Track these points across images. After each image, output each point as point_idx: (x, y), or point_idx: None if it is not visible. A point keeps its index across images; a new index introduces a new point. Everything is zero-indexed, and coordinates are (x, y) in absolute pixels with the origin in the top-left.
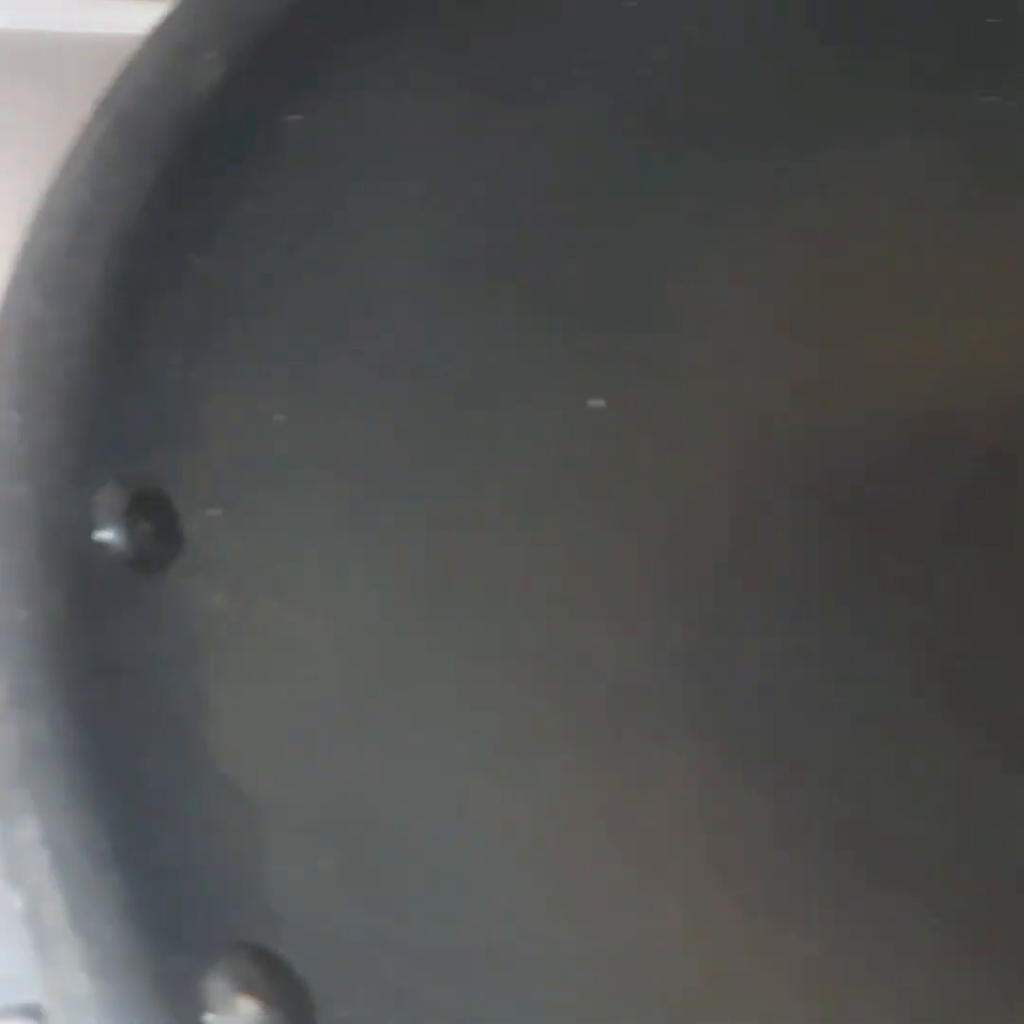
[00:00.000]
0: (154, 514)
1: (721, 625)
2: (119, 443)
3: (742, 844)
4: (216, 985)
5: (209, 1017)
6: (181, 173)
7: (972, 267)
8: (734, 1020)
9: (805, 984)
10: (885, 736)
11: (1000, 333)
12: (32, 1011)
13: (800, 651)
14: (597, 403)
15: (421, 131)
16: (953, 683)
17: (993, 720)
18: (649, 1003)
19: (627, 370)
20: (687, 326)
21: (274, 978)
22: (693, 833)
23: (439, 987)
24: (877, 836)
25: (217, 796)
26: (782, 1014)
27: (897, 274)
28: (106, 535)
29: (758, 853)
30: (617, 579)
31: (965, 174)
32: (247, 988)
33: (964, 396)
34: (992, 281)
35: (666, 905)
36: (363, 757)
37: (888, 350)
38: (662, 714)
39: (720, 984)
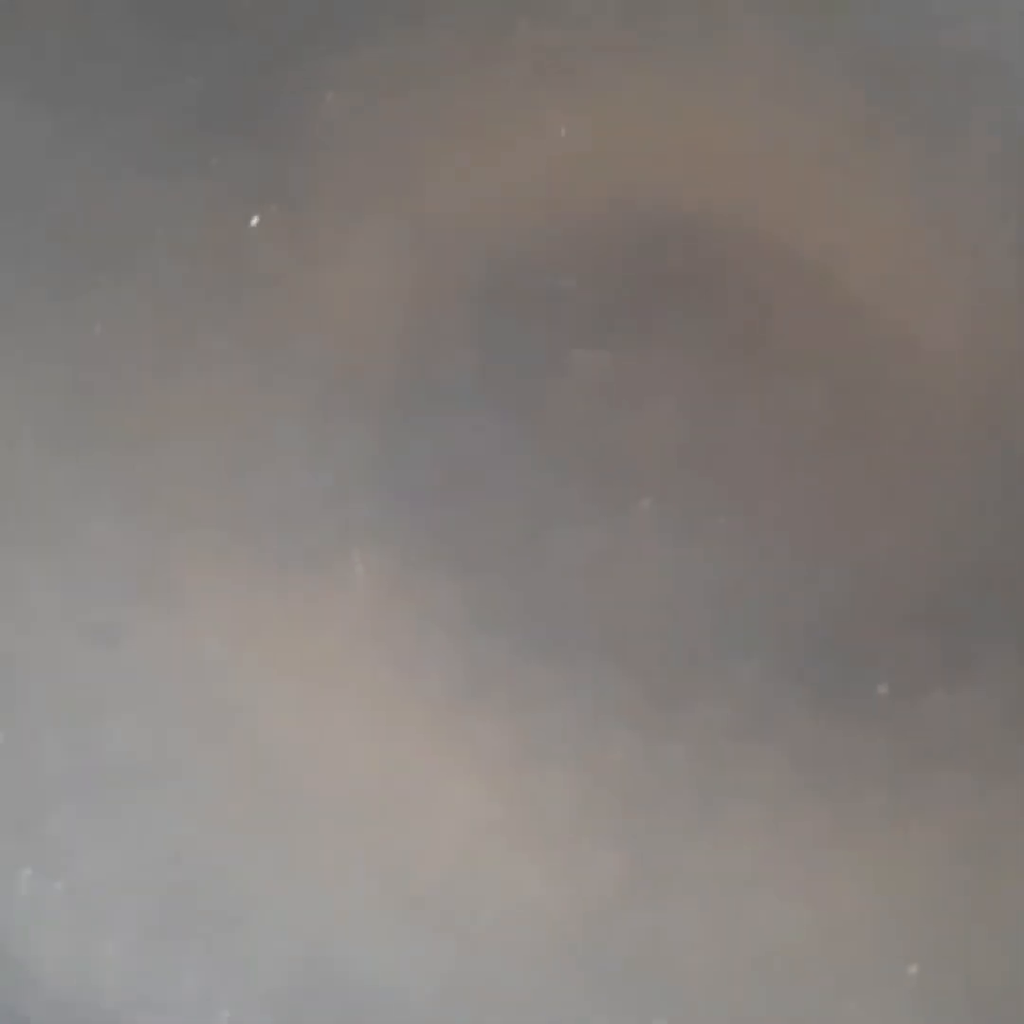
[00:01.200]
0: None
1: (389, 434)
2: None
3: (424, 644)
4: None
5: None
6: None
7: None
8: (414, 820)
9: (493, 773)
10: (565, 522)
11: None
12: None
13: (476, 450)
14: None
15: None
16: (626, 467)
17: (667, 494)
18: (321, 810)
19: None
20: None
21: None
22: (370, 641)
23: (68, 814)
24: (563, 619)
25: None
26: (464, 806)
27: None
28: None
29: (440, 651)
30: (275, 393)
31: None
32: None
33: (633, 180)
34: None
35: (342, 714)
36: None
37: (548, 140)
38: (339, 520)
39: (400, 787)
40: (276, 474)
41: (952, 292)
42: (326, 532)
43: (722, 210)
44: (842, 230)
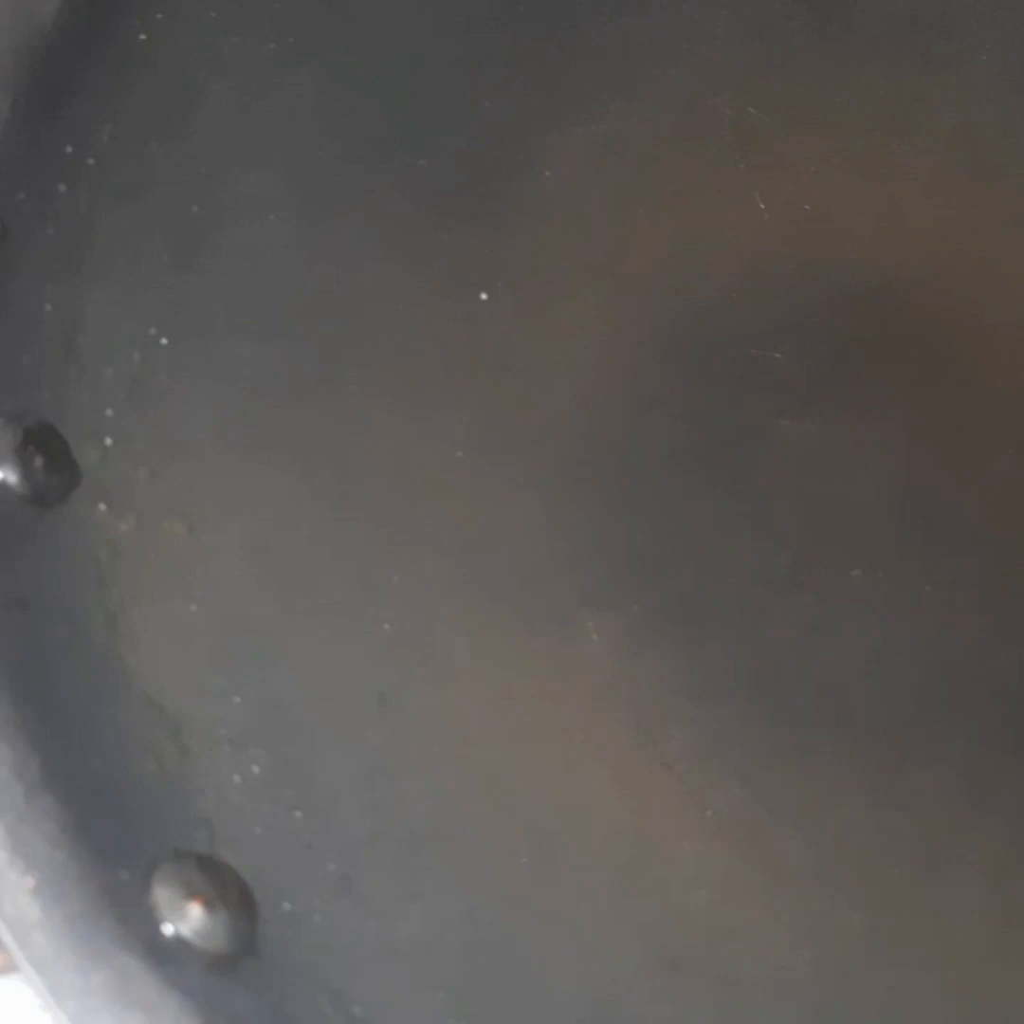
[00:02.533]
0: (47, 448)
1: (613, 502)
2: (3, 383)
3: (659, 707)
4: (162, 894)
5: (165, 926)
6: (34, 103)
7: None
8: (668, 881)
9: (736, 833)
10: (780, 590)
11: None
12: None
13: (693, 518)
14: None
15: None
16: (836, 535)
17: (876, 561)
18: (585, 871)
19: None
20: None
21: (216, 881)
22: (611, 705)
23: (376, 873)
24: (785, 684)
25: (139, 714)
26: (711, 865)
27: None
28: (1, 474)
29: (675, 714)
30: (512, 464)
31: None
32: (192, 893)
33: (830, 249)
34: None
35: (593, 778)
36: (279, 666)
37: (748, 211)
38: (567, 594)
39: (652, 847)
40: (515, 544)
41: None
42: (563, 601)
43: (920, 280)
44: None
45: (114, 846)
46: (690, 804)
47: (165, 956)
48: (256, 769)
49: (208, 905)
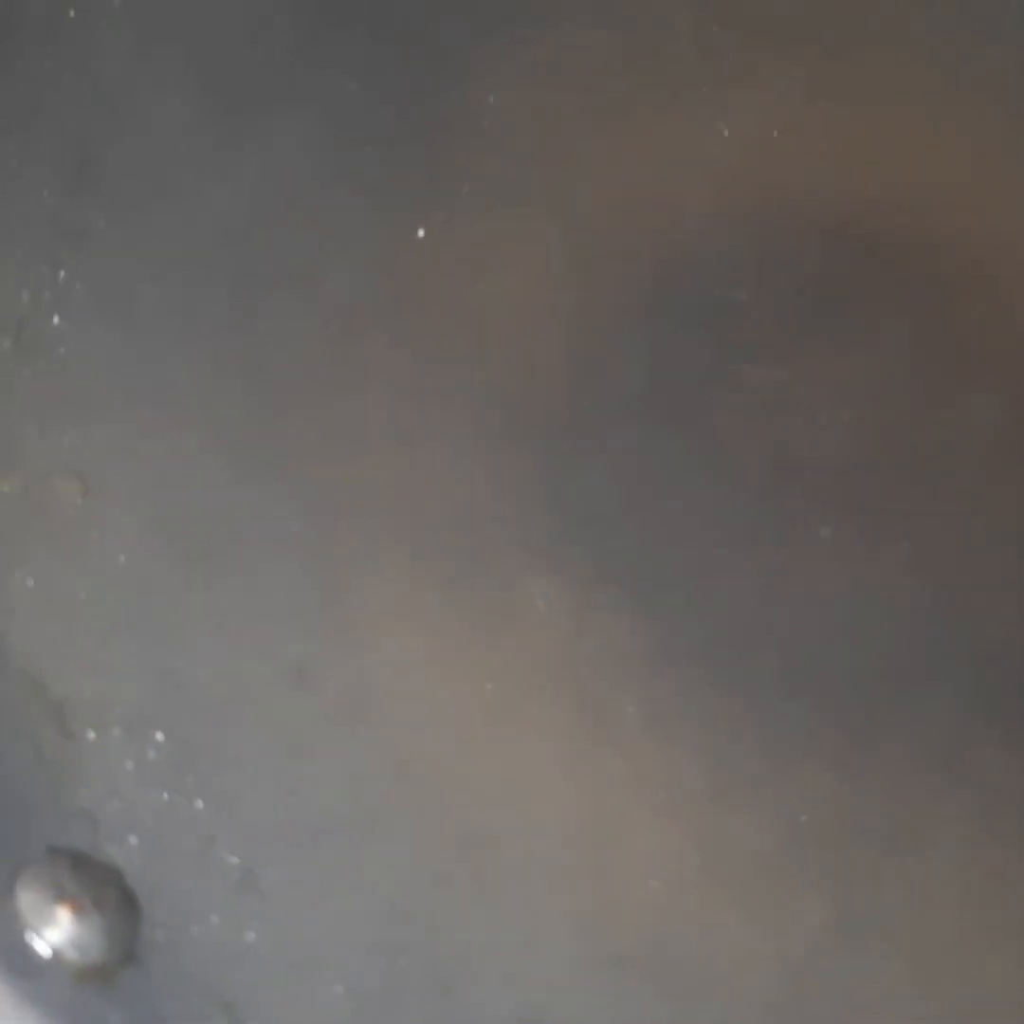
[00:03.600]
0: None
1: (562, 456)
2: None
3: (609, 679)
4: (27, 898)
5: (28, 934)
6: None
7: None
8: (615, 870)
9: (691, 816)
10: (742, 549)
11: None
12: None
13: (648, 473)
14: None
15: None
16: (804, 488)
17: (847, 517)
18: (520, 861)
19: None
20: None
21: (93, 882)
22: (555, 676)
23: (283, 866)
24: (746, 651)
25: (15, 694)
26: (663, 853)
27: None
28: None
29: (626, 686)
30: (449, 416)
31: None
32: (62, 897)
33: (798, 179)
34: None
35: (533, 758)
36: (183, 641)
37: (710, 138)
38: (509, 557)
39: (598, 833)
40: (452, 503)
41: None
42: (503, 563)
43: (893, 211)
44: (1017, 227)
45: None
46: (642, 785)
47: (26, 968)
48: (152, 754)
49: (79, 910)
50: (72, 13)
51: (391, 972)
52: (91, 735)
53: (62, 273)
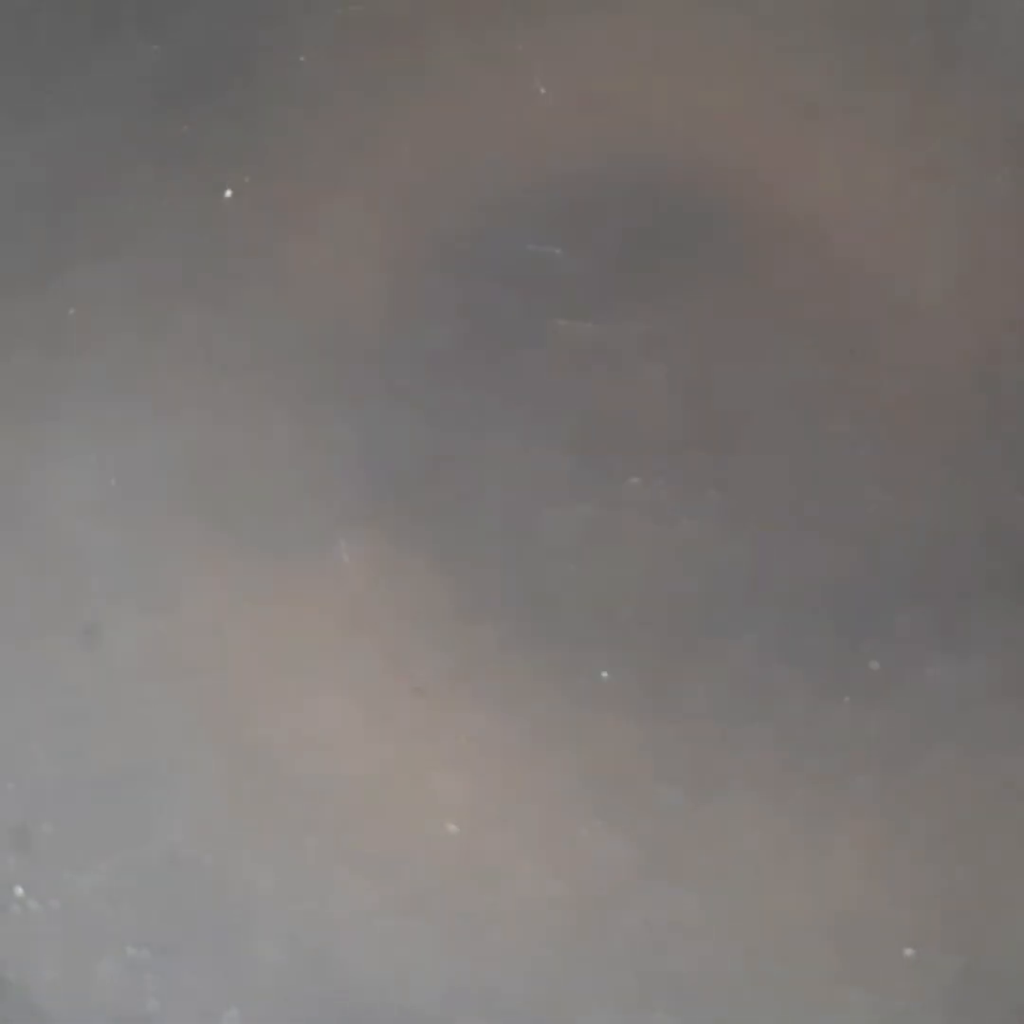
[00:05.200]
0: None
1: (373, 414)
2: None
3: (414, 630)
4: None
5: None
6: None
7: None
8: (413, 813)
9: (492, 759)
10: (554, 502)
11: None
12: None
13: (460, 429)
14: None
15: None
16: (613, 440)
17: (656, 467)
18: (315, 807)
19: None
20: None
21: None
22: (360, 629)
23: (62, 823)
24: (556, 602)
25: None
26: (462, 795)
27: None
28: None
29: (432, 637)
30: (258, 377)
31: None
32: None
33: (614, 136)
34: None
35: (335, 707)
36: None
37: (526, 96)
38: (316, 514)
39: (397, 778)
40: (259, 462)
41: (943, 249)
42: (311, 520)
43: (708, 168)
44: (832, 186)
45: None
46: (442, 731)
47: None
48: None
49: None
50: None
51: (170, 921)
52: None
53: None
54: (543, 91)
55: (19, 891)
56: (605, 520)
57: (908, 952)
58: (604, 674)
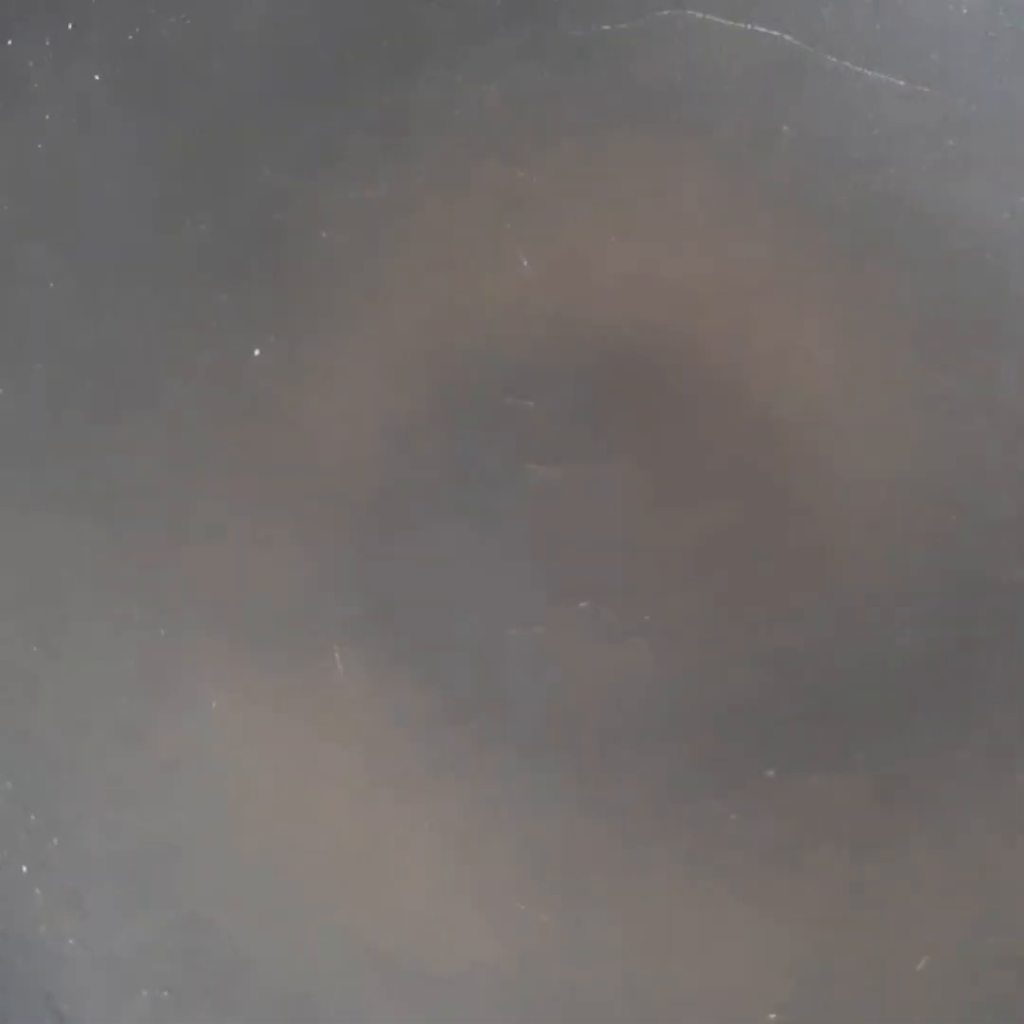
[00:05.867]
0: None
1: (370, 548)
2: None
3: (395, 731)
4: None
5: None
6: None
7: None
8: (383, 886)
9: (453, 842)
10: (517, 623)
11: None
12: None
13: (443, 561)
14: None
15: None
16: (572, 573)
17: (603, 594)
18: (303, 880)
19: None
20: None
21: None
22: (349, 731)
23: (106, 887)
24: (517, 708)
25: None
26: (427, 872)
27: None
28: None
29: (410, 737)
30: (275, 512)
31: None
32: None
33: (585, 304)
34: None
35: (326, 798)
36: (38, 705)
37: (511, 268)
38: (317, 630)
39: (372, 856)
40: (270, 584)
41: (866, 416)
42: (311, 634)
43: (665, 334)
44: (769, 352)
45: None
46: (417, 822)
47: None
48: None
49: None
50: None
51: (190, 969)
52: None
53: None
54: (526, 264)
55: (71, 942)
56: (557, 637)
57: (771, 1016)
58: (551, 769)
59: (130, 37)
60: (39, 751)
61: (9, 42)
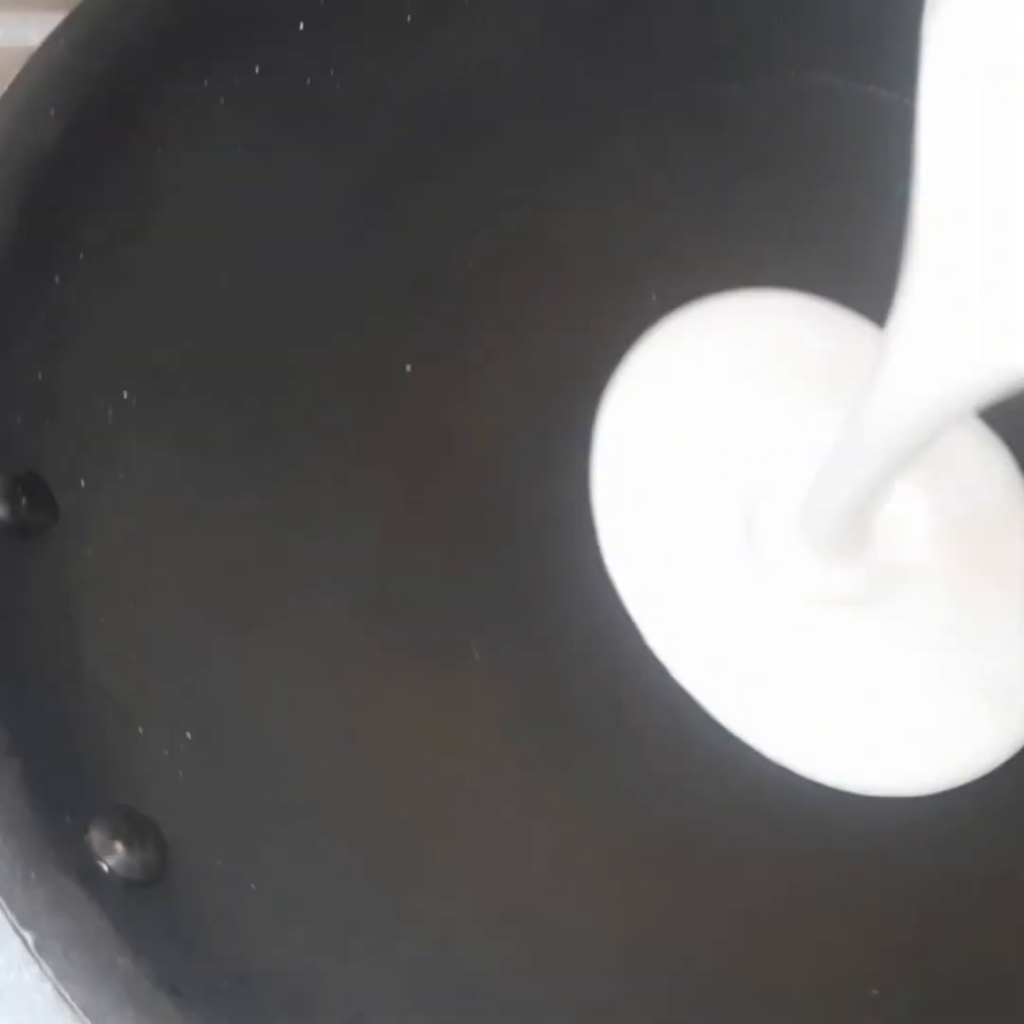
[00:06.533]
0: (32, 491)
1: (506, 549)
2: None
3: (522, 713)
4: (96, 835)
5: (95, 858)
6: (34, 216)
7: None
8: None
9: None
10: None
11: None
12: None
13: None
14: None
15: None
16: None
17: None
18: (447, 839)
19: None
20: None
21: (138, 828)
22: (487, 709)
23: (277, 835)
24: None
25: (92, 699)
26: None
27: None
28: None
29: (535, 717)
30: (419, 513)
31: None
32: (117, 836)
33: None
34: None
35: (465, 771)
36: (212, 668)
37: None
38: (456, 622)
39: (505, 819)
40: (417, 582)
41: None
42: (453, 626)
43: None
44: None
45: (61, 798)
46: (543, 788)
47: (92, 880)
48: (182, 749)
49: (128, 846)
50: None
51: (344, 913)
52: (142, 729)
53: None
54: (654, 298)
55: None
56: None
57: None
58: None
59: (308, 83)
60: (217, 712)
61: (205, 83)
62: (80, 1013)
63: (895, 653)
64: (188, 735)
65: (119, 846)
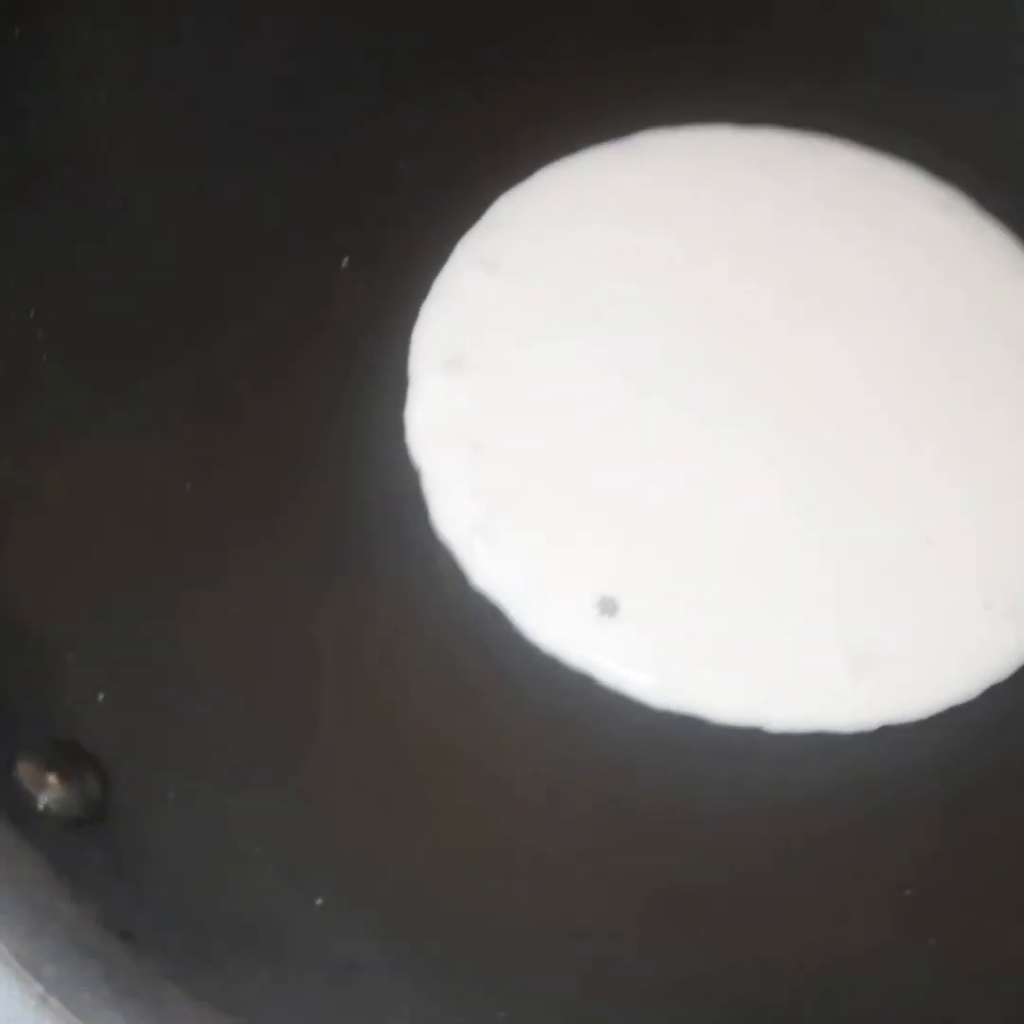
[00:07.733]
0: None
1: None
2: None
3: None
4: (26, 768)
5: (26, 794)
6: None
7: None
8: None
9: None
10: None
11: None
12: None
13: None
14: None
15: None
16: None
17: None
18: None
19: None
20: None
21: (74, 761)
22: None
23: (230, 775)
24: None
25: (20, 638)
26: None
27: None
28: None
29: None
30: None
31: None
32: (51, 768)
33: None
34: None
35: None
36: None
37: None
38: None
39: None
40: None
41: None
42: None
43: None
44: None
45: None
46: None
47: (24, 817)
48: (115, 686)
49: (65, 779)
50: None
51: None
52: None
53: None
54: None
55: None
56: None
57: None
58: None
59: None
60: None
61: None
62: (15, 964)
63: None
64: (126, 673)
65: (53, 780)
